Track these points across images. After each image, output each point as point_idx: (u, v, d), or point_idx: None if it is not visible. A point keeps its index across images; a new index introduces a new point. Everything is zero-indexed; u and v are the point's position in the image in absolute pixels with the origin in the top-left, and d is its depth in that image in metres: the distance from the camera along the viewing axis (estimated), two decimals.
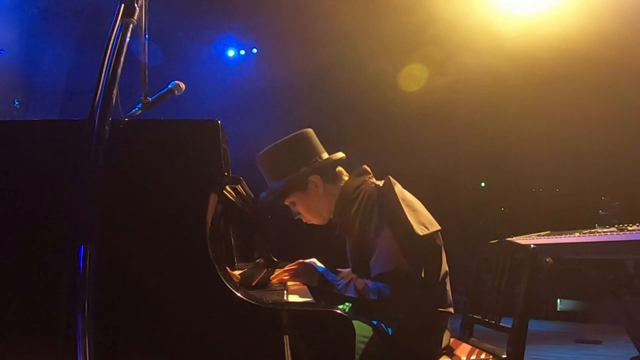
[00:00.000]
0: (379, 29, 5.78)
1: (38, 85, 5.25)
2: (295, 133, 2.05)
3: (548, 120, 6.25)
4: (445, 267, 1.97)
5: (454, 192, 7.16)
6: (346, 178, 2.07)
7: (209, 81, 6.22)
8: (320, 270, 1.99)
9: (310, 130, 2.09)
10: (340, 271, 2.12)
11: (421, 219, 1.88)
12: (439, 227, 1.93)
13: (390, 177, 1.95)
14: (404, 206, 1.85)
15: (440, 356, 1.93)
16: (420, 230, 1.82)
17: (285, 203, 2.09)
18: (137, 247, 1.33)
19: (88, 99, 1.14)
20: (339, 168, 2.08)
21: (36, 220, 1.34)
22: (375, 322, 1.86)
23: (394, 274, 1.77)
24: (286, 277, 2.01)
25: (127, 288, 1.30)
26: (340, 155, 2.07)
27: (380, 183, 1.98)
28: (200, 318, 1.30)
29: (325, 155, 2.05)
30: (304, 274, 2.00)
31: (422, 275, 1.82)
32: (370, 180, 2.04)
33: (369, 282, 1.82)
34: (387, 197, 1.88)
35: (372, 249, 1.85)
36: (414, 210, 1.89)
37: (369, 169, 2.08)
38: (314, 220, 2.11)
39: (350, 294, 1.83)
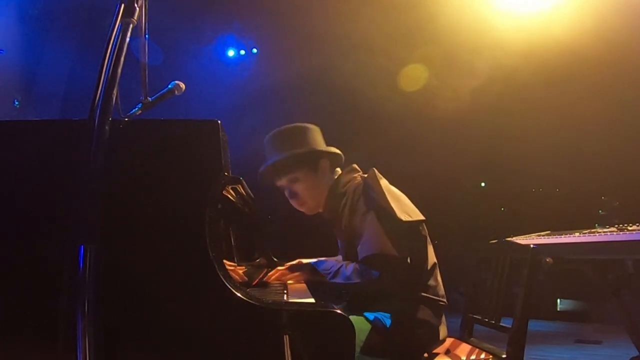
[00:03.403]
0: (379, 29, 5.78)
1: (38, 85, 5.25)
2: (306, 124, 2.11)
3: (548, 120, 6.25)
4: (433, 258, 2.01)
5: (454, 192, 7.16)
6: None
7: (209, 81, 6.22)
8: (312, 263, 2.01)
9: None
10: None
11: (404, 208, 1.93)
12: (422, 217, 1.97)
13: (375, 169, 2.00)
14: (387, 195, 1.90)
15: (438, 349, 1.94)
16: (403, 216, 1.87)
17: (285, 179, 2.05)
18: (137, 247, 1.33)
19: (88, 99, 1.14)
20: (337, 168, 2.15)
21: (36, 220, 1.34)
22: (372, 318, 1.87)
23: (379, 257, 1.81)
24: (277, 275, 2.03)
25: (127, 288, 1.30)
26: (340, 153, 2.14)
27: (366, 175, 2.03)
28: (200, 318, 1.30)
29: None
30: (294, 271, 2.03)
31: (409, 261, 1.85)
32: (358, 175, 2.09)
33: (358, 266, 1.85)
34: (372, 187, 1.94)
35: (359, 236, 1.90)
36: (397, 200, 1.94)
37: (357, 167, 2.13)
38: (308, 205, 2.09)
39: (340, 279, 1.86)
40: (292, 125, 2.09)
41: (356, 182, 2.04)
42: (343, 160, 2.15)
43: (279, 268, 2.06)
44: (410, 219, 1.89)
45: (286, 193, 2.10)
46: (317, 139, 2.10)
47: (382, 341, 1.81)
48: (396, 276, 1.81)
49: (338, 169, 2.15)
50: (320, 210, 2.13)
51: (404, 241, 1.85)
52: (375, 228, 1.85)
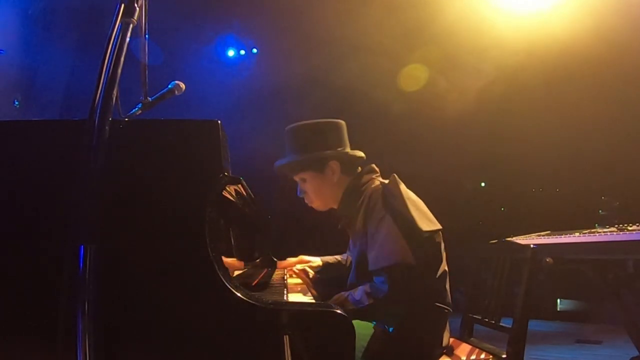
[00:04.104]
0: (379, 29, 5.77)
1: (38, 85, 5.24)
2: (332, 119, 2.14)
3: (548, 120, 6.25)
4: (444, 266, 1.98)
5: (454, 192, 7.15)
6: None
7: (209, 81, 6.21)
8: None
9: (344, 122, 2.18)
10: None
11: (424, 217, 1.91)
12: (440, 227, 1.96)
13: (395, 175, 1.99)
14: (408, 203, 1.88)
15: (441, 355, 1.93)
16: (424, 226, 1.85)
17: (296, 178, 2.14)
18: (137, 247, 1.33)
19: (88, 99, 1.14)
20: (359, 167, 2.15)
21: (36, 220, 1.34)
22: (374, 322, 1.87)
23: (397, 268, 1.80)
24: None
25: (127, 288, 1.30)
26: (362, 154, 2.15)
27: (387, 181, 2.02)
28: (200, 318, 1.30)
29: (349, 149, 2.13)
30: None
31: (422, 270, 1.83)
32: (377, 178, 2.08)
33: (367, 287, 1.83)
34: (392, 193, 1.92)
35: (373, 241, 1.88)
36: (417, 208, 1.92)
37: (376, 168, 2.14)
38: (317, 203, 2.16)
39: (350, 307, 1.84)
40: (312, 122, 2.11)
41: (374, 185, 2.04)
42: (361, 159, 2.14)
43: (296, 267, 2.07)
44: (431, 228, 1.88)
45: (298, 189, 2.17)
46: (332, 139, 2.09)
47: (384, 346, 1.80)
48: (409, 290, 1.80)
49: (360, 169, 2.15)
50: (335, 207, 2.14)
51: (421, 251, 1.84)
52: (395, 236, 1.83)
